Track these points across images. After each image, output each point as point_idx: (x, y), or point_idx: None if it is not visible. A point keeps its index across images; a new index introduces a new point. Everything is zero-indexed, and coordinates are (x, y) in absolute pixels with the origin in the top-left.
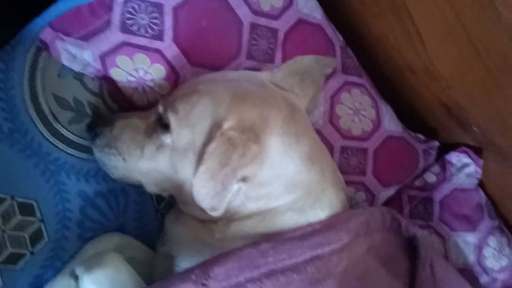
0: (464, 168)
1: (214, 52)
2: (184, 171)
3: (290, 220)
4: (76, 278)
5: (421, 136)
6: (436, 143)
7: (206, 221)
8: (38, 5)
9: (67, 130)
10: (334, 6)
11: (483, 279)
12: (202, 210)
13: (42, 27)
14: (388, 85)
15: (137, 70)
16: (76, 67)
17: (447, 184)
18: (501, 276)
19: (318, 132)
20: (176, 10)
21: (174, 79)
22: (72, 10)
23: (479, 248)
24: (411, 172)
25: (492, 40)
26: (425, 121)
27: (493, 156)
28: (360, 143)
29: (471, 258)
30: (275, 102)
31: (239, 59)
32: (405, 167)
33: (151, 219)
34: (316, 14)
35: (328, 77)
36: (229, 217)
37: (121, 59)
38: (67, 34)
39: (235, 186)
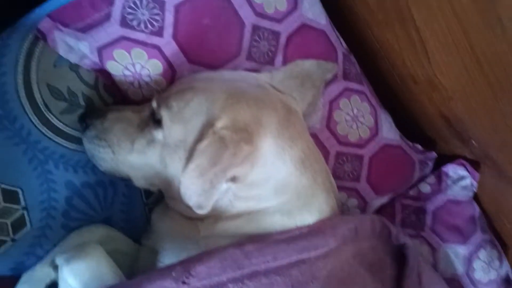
0: (460, 180)
1: (213, 51)
2: (174, 167)
3: (278, 222)
4: (56, 267)
5: (418, 146)
6: (434, 154)
7: (192, 218)
8: None
9: (58, 120)
10: (340, 12)
11: None
12: (189, 207)
13: (41, 16)
14: (390, 93)
15: (134, 64)
16: (73, 58)
17: (441, 195)
18: None
19: (315, 136)
20: (177, 7)
21: (171, 76)
22: (72, 2)
23: (469, 260)
24: (406, 181)
25: (496, 54)
26: (424, 131)
27: (490, 170)
28: (356, 149)
29: (460, 269)
30: (271, 103)
31: (239, 59)
32: (400, 177)
33: (139, 212)
34: (321, 19)
35: (328, 83)
36: (216, 216)
37: (119, 53)
38: (65, 25)
39: (224, 185)
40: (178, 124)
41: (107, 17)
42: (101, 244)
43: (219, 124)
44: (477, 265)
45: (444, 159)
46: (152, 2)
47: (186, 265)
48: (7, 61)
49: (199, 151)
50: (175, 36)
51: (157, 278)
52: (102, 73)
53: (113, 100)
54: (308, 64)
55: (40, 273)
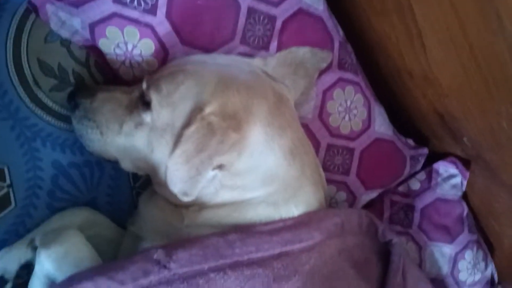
0: (450, 178)
1: (207, 33)
2: (160, 151)
3: (263, 213)
4: (34, 248)
5: (411, 142)
6: (425, 151)
7: (178, 205)
8: None
9: (47, 97)
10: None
11: None
12: (174, 193)
13: None
14: (385, 86)
15: (126, 43)
16: (64, 34)
17: (430, 193)
18: None
19: (306, 126)
20: None
21: (163, 57)
22: None
23: (455, 261)
24: (396, 177)
25: (494, 53)
26: (417, 127)
27: (481, 170)
28: (347, 142)
29: (445, 269)
30: (262, 91)
31: (233, 43)
32: (391, 172)
33: (125, 196)
34: (318, 5)
35: (322, 72)
36: (200, 204)
37: (111, 30)
38: None
39: (210, 173)
40: (167, 107)
41: None
42: (83, 228)
43: (208, 109)
44: (462, 265)
45: (436, 156)
46: None
47: (168, 250)
48: None
49: (186, 136)
50: (168, 16)
51: (139, 260)
52: (94, 51)
53: (103, 79)
54: (303, 52)
55: (17, 251)
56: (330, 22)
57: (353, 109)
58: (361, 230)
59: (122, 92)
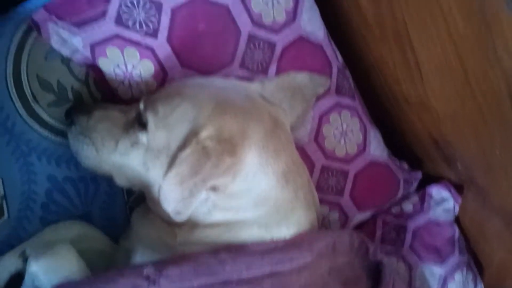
0: (443, 202)
1: (207, 57)
2: (155, 171)
3: (255, 234)
4: (25, 259)
5: (405, 165)
6: (419, 174)
7: (171, 223)
8: None
9: (45, 112)
10: (337, 24)
11: None
12: (168, 212)
13: (37, 7)
14: (381, 109)
15: (126, 63)
16: (65, 52)
17: (423, 216)
18: None
19: (301, 149)
20: (174, 10)
21: (162, 78)
22: None
23: (444, 281)
24: (389, 199)
25: (489, 83)
26: (412, 150)
27: (473, 195)
28: (342, 165)
29: None
30: (258, 115)
31: (232, 66)
32: (384, 194)
33: (119, 211)
34: (319, 33)
35: (320, 96)
36: (193, 223)
37: (111, 50)
38: (60, 18)
39: (203, 195)
40: (163, 129)
41: (103, 14)
42: (76, 242)
43: (204, 133)
44: (452, 286)
45: (429, 179)
46: (149, 2)
47: (159, 266)
48: None
49: (181, 159)
50: (169, 39)
51: (129, 274)
52: (93, 69)
53: (102, 97)
54: (301, 77)
55: (8, 261)
56: (329, 49)
57: (349, 132)
58: (352, 249)
59: (119, 111)
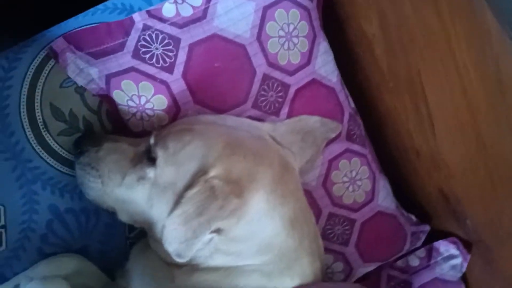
0: (451, 259)
1: (220, 95)
2: (159, 209)
3: (255, 282)
4: None
5: (413, 218)
6: (427, 228)
7: (169, 264)
8: (61, 15)
9: (54, 140)
10: (351, 71)
11: None
12: (168, 252)
13: (56, 35)
14: (391, 160)
15: (140, 97)
16: (80, 81)
17: (429, 272)
18: None
19: (309, 194)
20: (192, 46)
21: (174, 113)
22: (89, 27)
23: None
24: (395, 252)
25: (501, 147)
26: (421, 204)
27: (481, 254)
28: (349, 212)
29: None
30: (268, 158)
31: (245, 106)
32: (391, 246)
33: (118, 245)
34: (332, 77)
35: (330, 141)
36: (193, 266)
37: (126, 83)
38: (79, 48)
39: (207, 236)
40: (171, 166)
41: (121, 46)
42: (71, 277)
43: (212, 173)
44: None
45: (437, 234)
46: (167, 38)
47: None
48: (15, 74)
49: (187, 198)
50: (184, 75)
51: None
52: (107, 100)
53: (113, 128)
54: (312, 121)
55: None
56: (342, 94)
57: (358, 180)
58: None
59: (129, 144)
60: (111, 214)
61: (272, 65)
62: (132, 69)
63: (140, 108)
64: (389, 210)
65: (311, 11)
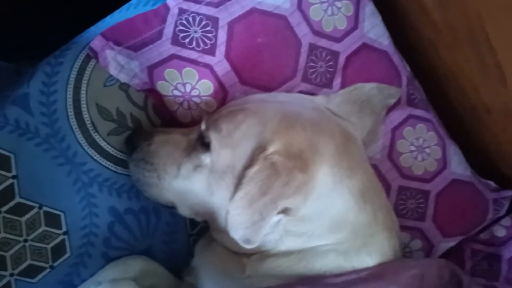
0: None
1: (268, 72)
2: (220, 195)
3: (332, 263)
4: None
5: (492, 184)
6: (509, 193)
7: (238, 254)
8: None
9: (105, 141)
10: (403, 33)
11: None
12: (235, 241)
13: (94, 35)
14: (458, 123)
15: (184, 84)
16: (123, 78)
17: None
18: None
19: (375, 167)
20: (231, 24)
21: (222, 97)
22: (125, 20)
23: None
24: (477, 223)
25: None
26: (499, 167)
27: None
28: (421, 184)
29: None
30: (328, 128)
31: (294, 81)
32: (471, 217)
33: (182, 244)
34: (383, 39)
35: (390, 109)
36: (263, 252)
37: (169, 72)
38: (117, 44)
39: (274, 218)
40: (227, 148)
41: (159, 34)
42: (139, 279)
43: (271, 148)
44: None
45: None
46: (205, 19)
47: None
48: (59, 79)
49: (249, 178)
50: (227, 55)
51: None
52: (152, 93)
53: (161, 122)
54: (368, 88)
55: None
56: (396, 57)
57: (426, 148)
58: (442, 283)
59: (180, 134)
60: (171, 212)
61: (318, 33)
62: (173, 56)
63: (186, 96)
64: (464, 177)
65: None
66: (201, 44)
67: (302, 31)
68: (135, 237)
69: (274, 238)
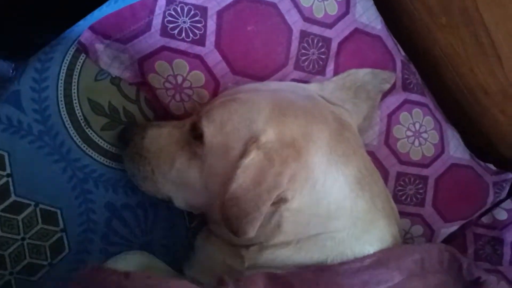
0: None
1: (259, 61)
2: (215, 186)
3: (332, 252)
4: None
5: (492, 167)
6: (510, 176)
7: (237, 246)
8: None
9: (98, 136)
10: (396, 16)
11: None
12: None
13: (83, 29)
14: (455, 106)
15: (175, 76)
16: (114, 72)
17: None
18: None
19: (372, 154)
20: (220, 13)
21: (214, 88)
22: (113, 12)
23: None
24: (478, 207)
25: None
26: (498, 150)
27: None
28: (419, 169)
29: None
30: (322, 116)
31: (286, 69)
32: (472, 201)
33: (181, 237)
34: (376, 24)
35: (386, 94)
36: (262, 243)
37: (160, 65)
38: (106, 37)
39: (269, 208)
40: (220, 138)
41: (148, 26)
42: None
43: (264, 138)
44: None
45: None
46: (193, 9)
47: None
48: (50, 74)
49: (242, 168)
50: (217, 45)
51: None
52: (144, 86)
53: (154, 115)
54: (363, 74)
55: None
56: (390, 41)
57: (423, 132)
58: (442, 268)
59: (173, 127)
60: (169, 206)
61: (308, 19)
62: (163, 48)
63: (178, 88)
64: (463, 161)
65: None
66: (191, 35)
67: (293, 18)
68: (134, 233)
69: (270, 228)
